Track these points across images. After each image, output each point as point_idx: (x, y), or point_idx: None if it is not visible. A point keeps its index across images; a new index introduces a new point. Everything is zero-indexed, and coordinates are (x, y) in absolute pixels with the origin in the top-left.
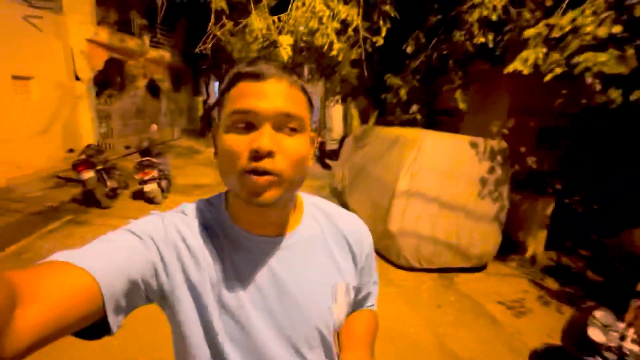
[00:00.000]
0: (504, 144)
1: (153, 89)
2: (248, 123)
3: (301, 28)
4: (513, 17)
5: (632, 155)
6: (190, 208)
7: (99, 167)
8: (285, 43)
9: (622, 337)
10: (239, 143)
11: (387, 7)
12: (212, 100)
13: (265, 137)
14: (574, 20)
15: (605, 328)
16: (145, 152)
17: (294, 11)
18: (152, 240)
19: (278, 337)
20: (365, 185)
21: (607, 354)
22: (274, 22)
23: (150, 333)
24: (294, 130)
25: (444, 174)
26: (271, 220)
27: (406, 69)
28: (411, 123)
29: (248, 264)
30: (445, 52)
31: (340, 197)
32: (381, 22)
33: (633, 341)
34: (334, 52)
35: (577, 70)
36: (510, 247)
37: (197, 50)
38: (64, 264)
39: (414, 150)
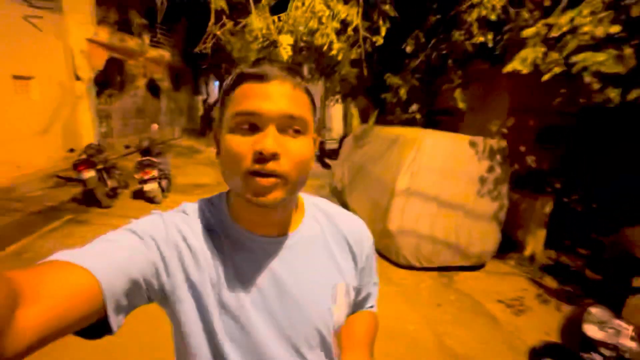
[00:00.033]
0: (503, 143)
1: (153, 88)
2: (252, 124)
3: (301, 28)
4: (512, 16)
5: (631, 154)
6: (191, 208)
7: (100, 166)
8: (285, 43)
9: (619, 334)
10: (242, 144)
11: (386, 7)
12: (212, 99)
13: (269, 139)
14: (572, 20)
15: (601, 324)
16: (145, 151)
17: (294, 11)
18: (153, 239)
19: (278, 337)
20: (364, 184)
21: (603, 350)
22: (273, 21)
23: (151, 333)
24: (298, 132)
25: (444, 173)
26: (273, 220)
27: (406, 69)
28: (411, 122)
29: (249, 264)
30: (444, 52)
31: (340, 197)
32: (381, 22)
33: (629, 338)
34: (334, 52)
35: (575, 70)
36: (509, 246)
37: (197, 49)
38: (65, 263)
39: (413, 150)
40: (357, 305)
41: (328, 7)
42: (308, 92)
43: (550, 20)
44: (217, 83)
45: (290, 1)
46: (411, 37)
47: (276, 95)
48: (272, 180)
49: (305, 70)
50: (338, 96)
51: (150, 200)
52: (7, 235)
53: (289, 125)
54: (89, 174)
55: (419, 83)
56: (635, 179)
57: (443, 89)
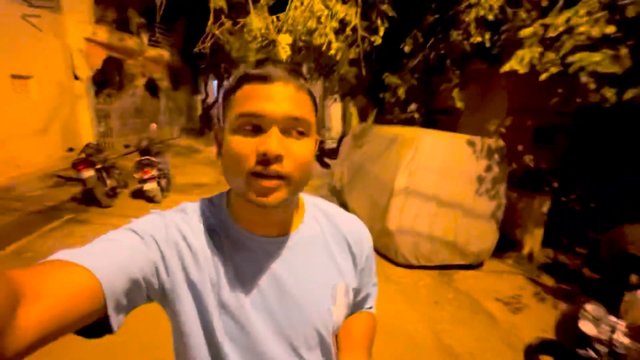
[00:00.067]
0: (501, 143)
1: (152, 88)
2: (255, 126)
3: (300, 27)
4: (509, 16)
5: (629, 154)
6: (191, 207)
7: (99, 166)
8: (284, 42)
9: (613, 330)
10: (246, 145)
11: (385, 7)
12: (211, 99)
13: (273, 141)
14: (568, 20)
15: (596, 321)
16: (144, 151)
17: (293, 11)
18: (153, 239)
19: (277, 337)
20: (363, 183)
21: (598, 346)
22: (272, 21)
23: (151, 332)
24: (301, 133)
25: (442, 172)
26: (273, 220)
27: (404, 68)
28: (409, 122)
29: (249, 264)
30: (442, 52)
31: (339, 196)
32: (379, 22)
33: (623, 334)
34: (333, 52)
35: (571, 70)
36: (507, 245)
37: (196, 49)
38: (66, 262)
39: (411, 149)
40: (356, 306)
41: (327, 6)
42: (310, 94)
43: (547, 20)
44: (216, 82)
45: (289, 1)
46: (409, 37)
47: (280, 97)
48: (275, 182)
49: (304, 69)
50: (337, 95)
51: (150, 199)
52: (7, 234)
53: (293, 127)
54: (89, 174)
55: (417, 83)
56: (634, 179)
57: (441, 88)
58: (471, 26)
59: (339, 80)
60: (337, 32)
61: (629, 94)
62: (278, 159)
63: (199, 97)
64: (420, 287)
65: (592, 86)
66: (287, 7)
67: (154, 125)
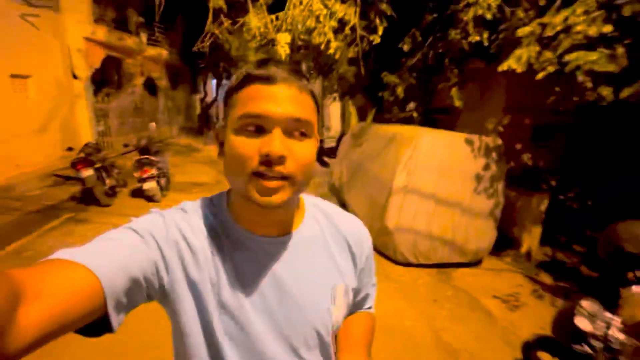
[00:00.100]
0: (499, 141)
1: (151, 87)
2: (258, 126)
3: (299, 26)
4: (507, 16)
5: (627, 153)
6: (192, 206)
7: (98, 165)
8: (283, 41)
9: (608, 326)
10: (248, 146)
11: (383, 6)
12: (210, 98)
13: (277, 142)
14: (566, 19)
15: (591, 317)
16: (144, 150)
17: (292, 9)
18: (153, 238)
19: (277, 338)
20: (362, 182)
21: (593, 342)
22: (271, 20)
23: (151, 331)
24: (303, 135)
25: (440, 171)
26: (274, 220)
27: (403, 67)
28: (408, 121)
29: (249, 263)
30: (441, 51)
31: (338, 195)
32: (378, 21)
33: (618, 329)
34: (332, 51)
35: (568, 69)
36: (505, 243)
37: (194, 48)
38: (66, 261)
39: (410, 148)
40: (355, 306)
41: (325, 6)
42: (312, 95)
43: (545, 19)
44: (214, 82)
45: (287, 0)
46: (408, 36)
47: (283, 98)
48: (278, 182)
49: (304, 68)
50: (336, 95)
51: (149, 198)
52: (6, 234)
53: (295, 128)
54: (88, 173)
55: (416, 81)
56: (632, 177)
57: (440, 87)
58: (469, 25)
59: (338, 80)
60: (336, 31)
61: (626, 93)
62: (281, 160)
63: (198, 96)
64: (419, 285)
65: (589, 85)
66: (286, 6)
67: (153, 124)
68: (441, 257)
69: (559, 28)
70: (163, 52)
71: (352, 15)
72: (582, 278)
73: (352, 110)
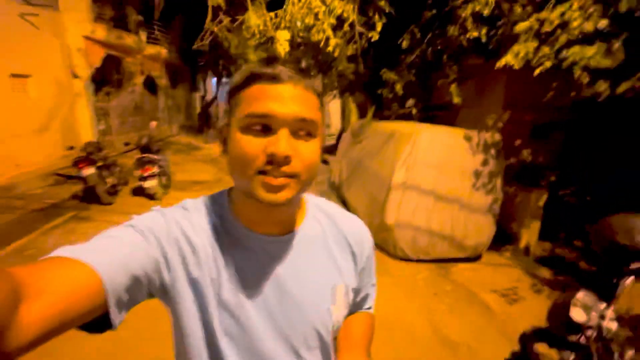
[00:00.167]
0: (497, 137)
1: (151, 85)
2: (264, 126)
3: (298, 24)
4: (505, 12)
5: (625, 148)
6: (193, 204)
7: (99, 163)
8: (282, 39)
9: (602, 317)
10: (254, 145)
11: (382, 3)
12: (210, 96)
13: (283, 143)
14: (563, 14)
15: (586, 308)
16: (144, 148)
17: (291, 7)
18: (154, 236)
19: (276, 337)
20: (362, 179)
21: (588, 332)
22: (270, 18)
23: (152, 329)
24: (309, 135)
25: (439, 167)
26: (275, 219)
27: (402, 64)
28: (407, 117)
29: (249, 262)
30: (439, 47)
31: (338, 192)
32: (376, 18)
33: (611, 319)
34: (330, 48)
35: (565, 64)
36: (504, 238)
37: (194, 46)
38: (68, 259)
39: (409, 144)
40: (355, 306)
41: (324, 3)
42: (318, 94)
43: (542, 15)
44: (214, 80)
45: None
46: (407, 33)
47: (289, 98)
48: (284, 180)
49: (303, 65)
50: (336, 92)
51: (150, 196)
52: (9, 232)
53: (301, 128)
54: (89, 171)
55: (415, 78)
56: (630, 172)
57: (439, 84)
58: (468, 21)
59: (337, 77)
60: (335, 28)
61: (622, 88)
62: (287, 160)
63: (198, 95)
64: (419, 280)
65: (586, 80)
66: (285, 3)
67: (153, 123)
68: (440, 252)
69: (556, 23)
70: (162, 51)
71: (350, 12)
72: (580, 272)
73: (352, 107)
